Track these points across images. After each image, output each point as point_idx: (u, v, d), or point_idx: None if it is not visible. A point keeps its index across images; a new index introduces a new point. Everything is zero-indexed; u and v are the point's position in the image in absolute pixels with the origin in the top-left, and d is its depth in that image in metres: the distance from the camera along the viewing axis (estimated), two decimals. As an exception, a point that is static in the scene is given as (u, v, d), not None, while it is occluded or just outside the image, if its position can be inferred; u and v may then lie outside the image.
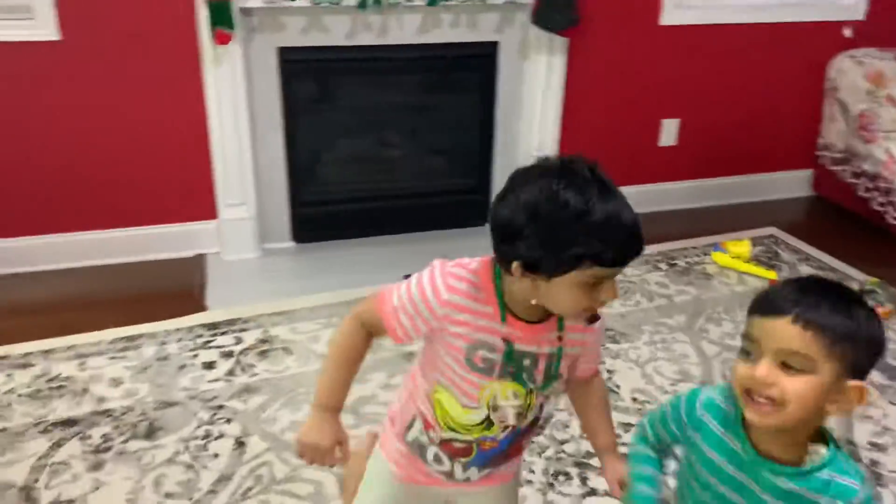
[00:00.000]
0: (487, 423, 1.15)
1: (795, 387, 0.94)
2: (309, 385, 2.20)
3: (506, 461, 1.24)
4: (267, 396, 2.15)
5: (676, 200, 3.48)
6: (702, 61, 3.28)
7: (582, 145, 3.22)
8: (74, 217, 2.81)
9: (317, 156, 3.06)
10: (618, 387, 2.22)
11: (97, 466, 1.89)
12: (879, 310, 2.58)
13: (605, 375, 2.25)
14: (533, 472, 1.88)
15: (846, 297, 0.99)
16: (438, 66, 3.01)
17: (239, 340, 2.40)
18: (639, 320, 2.56)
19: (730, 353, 2.37)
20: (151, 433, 2.00)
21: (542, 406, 1.19)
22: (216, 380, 2.21)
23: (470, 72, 3.05)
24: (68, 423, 2.03)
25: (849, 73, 3.32)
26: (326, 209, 3.09)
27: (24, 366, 2.25)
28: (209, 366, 2.28)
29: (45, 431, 2.00)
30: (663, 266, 2.95)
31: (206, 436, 1.99)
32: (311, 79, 2.92)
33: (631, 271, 2.88)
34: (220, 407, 2.10)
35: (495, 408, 1.14)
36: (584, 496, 1.82)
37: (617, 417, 2.07)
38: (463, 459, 1.20)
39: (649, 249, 3.11)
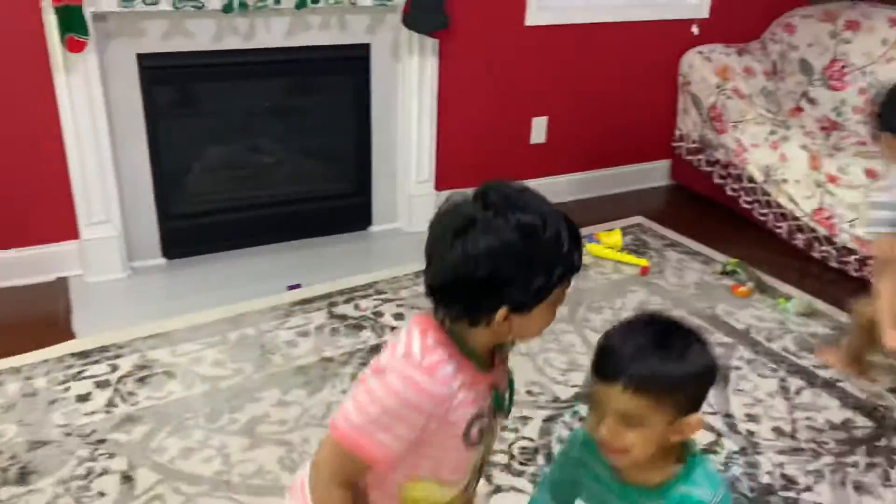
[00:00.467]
0: (469, 483, 1.15)
1: (636, 438, 1.06)
2: (197, 409, 2.09)
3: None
4: (152, 425, 2.02)
5: (549, 196, 3.56)
6: (565, 60, 3.40)
7: (458, 144, 3.27)
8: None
9: (185, 166, 2.91)
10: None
11: (-37, 522, 1.71)
12: (741, 288, 2.79)
13: (498, 372, 2.29)
14: (438, 475, 1.89)
15: (676, 336, 1.09)
16: (309, 68, 2.95)
17: (114, 368, 2.25)
18: (525, 314, 2.62)
19: (613, 340, 2.47)
20: (24, 478, 1.83)
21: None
22: (93, 412, 2.06)
23: (342, 74, 3.00)
24: (-77, 476, 1.82)
25: (698, 68, 3.55)
26: (198, 222, 2.95)
27: None
28: (84, 398, 2.11)
29: None
30: (543, 260, 3.03)
31: (89, 474, 1.85)
32: (175, 86, 2.78)
33: (513, 267, 2.94)
34: (101, 441, 1.96)
35: (480, 463, 1.14)
36: (489, 494, 1.84)
37: (512, 411, 2.12)
38: None
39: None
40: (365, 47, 2.94)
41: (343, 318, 2.57)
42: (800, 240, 3.11)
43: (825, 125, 3.40)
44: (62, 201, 2.66)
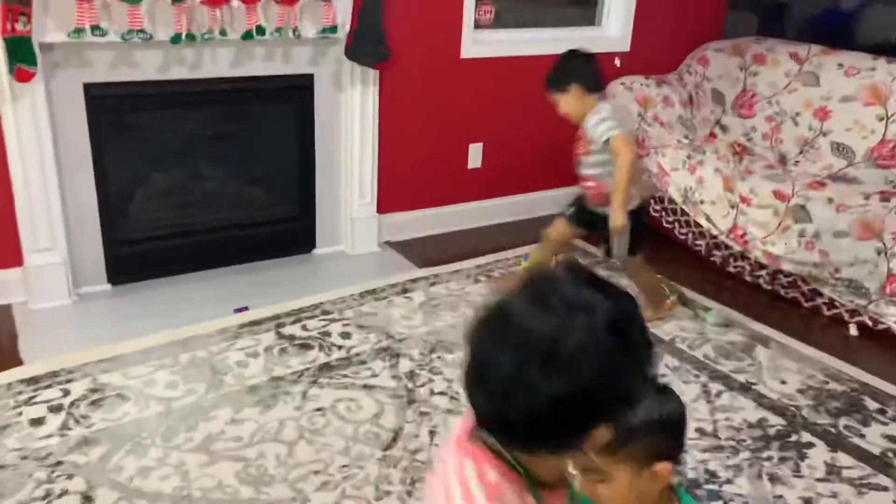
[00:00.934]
0: None
1: (608, 492, 1.16)
2: (152, 429, 2.14)
3: None
4: (109, 446, 2.06)
5: (486, 217, 3.77)
6: (499, 90, 3.59)
7: (398, 169, 3.40)
8: None
9: (131, 193, 2.96)
10: (458, 394, 2.38)
11: (-78, 546, 1.73)
12: (667, 302, 3.00)
13: (443, 386, 2.42)
14: (391, 482, 1.99)
15: None
16: (254, 97, 3.04)
17: (66, 392, 2.28)
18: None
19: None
20: (-18, 502, 1.86)
21: None
22: (49, 436, 2.09)
23: (287, 103, 3.10)
24: None
25: (621, 97, 3.79)
26: (144, 247, 2.99)
27: None
28: (37, 422, 2.14)
29: None
30: (482, 278, 3.18)
31: (47, 495, 1.88)
32: (121, 114, 2.83)
33: (455, 286, 3.09)
34: (58, 463, 1.99)
35: None
36: (440, 498, 1.96)
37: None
38: None
39: (469, 264, 3.36)
40: (309, 77, 3.05)
41: (291, 338, 2.65)
42: (717, 256, 3.36)
43: (737, 150, 3.68)
44: (6, 228, 2.67)
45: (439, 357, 2.58)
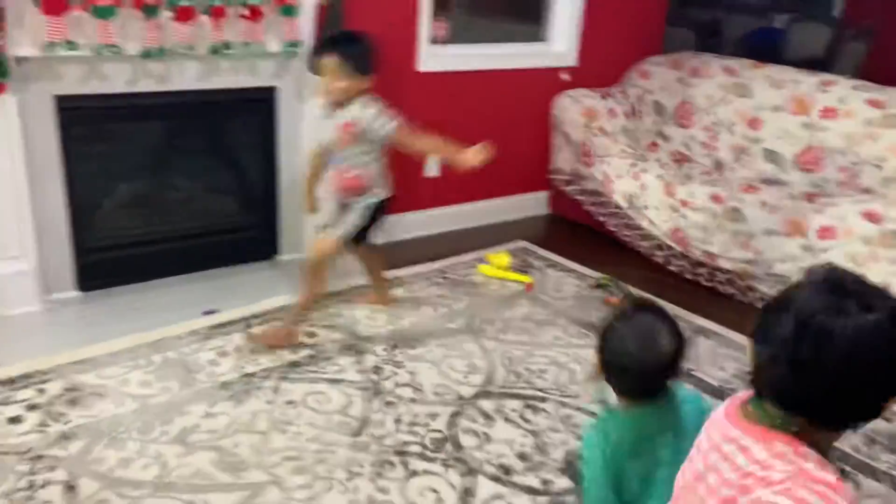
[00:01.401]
0: None
1: None
2: (129, 424, 2.24)
3: None
4: (88, 440, 2.15)
5: (444, 224, 3.93)
6: (454, 102, 3.78)
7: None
8: None
9: (100, 202, 3.04)
10: (421, 385, 2.53)
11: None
12: (612, 299, 3.20)
13: (407, 378, 2.56)
14: (361, 465, 2.13)
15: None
16: (220, 109, 3.16)
17: (42, 392, 2.35)
18: (428, 328, 2.91)
19: (504, 346, 2.79)
20: (-33, 493, 1.93)
21: None
22: (27, 432, 2.16)
23: (251, 114, 3.23)
24: None
25: (568, 109, 4.01)
26: (113, 255, 3.07)
27: None
28: (15, 420, 2.21)
29: None
30: (440, 280, 3.34)
31: (31, 486, 1.96)
32: (90, 125, 2.92)
33: (415, 287, 3.24)
34: (39, 457, 2.07)
35: None
36: (407, 478, 2.10)
37: (423, 409, 2.41)
38: None
39: (428, 267, 3.51)
40: (272, 90, 3.19)
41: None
42: (659, 256, 3.59)
43: (677, 157, 3.92)
44: (-24, 237, 2.73)
45: (402, 352, 2.72)
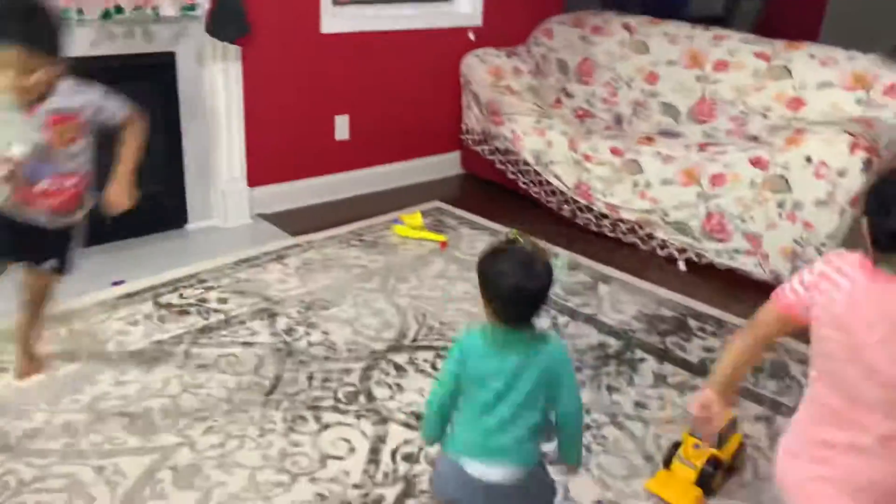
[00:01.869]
0: None
1: None
2: (35, 396, 2.21)
3: None
4: (-10, 415, 2.13)
5: (357, 187, 3.96)
6: (361, 64, 3.78)
7: (267, 144, 3.53)
8: None
9: (-7, 175, 2.94)
10: (334, 343, 2.58)
11: None
12: (521, 252, 3.29)
13: (320, 337, 2.61)
14: (273, 422, 2.17)
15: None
16: (115, 77, 3.07)
17: (-59, 370, 2.30)
18: (342, 289, 2.95)
19: (417, 302, 2.86)
20: None
21: None
22: (-73, 410, 2.12)
23: (149, 81, 3.16)
24: None
25: (476, 69, 4.07)
26: (11, 230, 2.98)
27: None
28: (-87, 399, 2.16)
29: None
30: (355, 242, 3.38)
31: (-67, 463, 1.94)
32: (-23, 96, 2.81)
33: (330, 250, 3.27)
34: (-60, 434, 2.04)
35: None
36: (319, 431, 2.15)
37: (336, 366, 2.45)
38: None
39: (342, 230, 3.55)
40: (171, 55, 3.13)
41: (169, 306, 2.76)
42: (566, 210, 3.71)
43: (580, 114, 4.04)
44: None
45: (315, 314, 2.76)
